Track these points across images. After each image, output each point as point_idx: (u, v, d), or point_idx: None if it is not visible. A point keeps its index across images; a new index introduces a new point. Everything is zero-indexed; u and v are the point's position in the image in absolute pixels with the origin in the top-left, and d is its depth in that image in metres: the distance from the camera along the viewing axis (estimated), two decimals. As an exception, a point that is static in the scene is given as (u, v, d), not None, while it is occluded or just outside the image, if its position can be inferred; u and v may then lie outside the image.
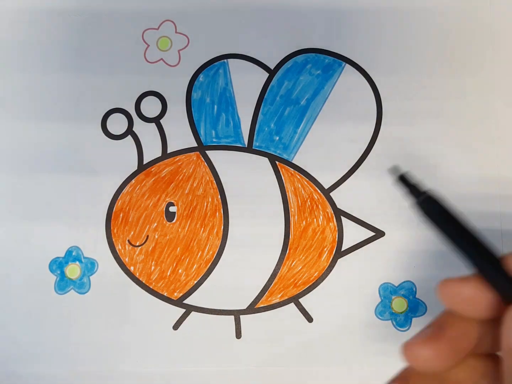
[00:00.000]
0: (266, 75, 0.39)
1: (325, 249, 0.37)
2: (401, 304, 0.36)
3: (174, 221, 0.38)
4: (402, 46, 0.39)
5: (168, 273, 0.37)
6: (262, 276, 0.37)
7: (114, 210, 0.38)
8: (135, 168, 0.38)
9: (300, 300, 0.37)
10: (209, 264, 0.37)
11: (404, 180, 0.23)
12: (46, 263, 0.37)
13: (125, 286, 0.37)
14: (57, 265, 0.37)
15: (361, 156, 0.38)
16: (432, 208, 0.21)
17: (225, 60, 0.39)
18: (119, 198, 0.38)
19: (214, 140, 0.38)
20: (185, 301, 0.37)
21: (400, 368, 0.34)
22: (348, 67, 0.39)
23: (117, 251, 0.37)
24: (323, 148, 0.38)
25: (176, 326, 0.37)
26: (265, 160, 0.38)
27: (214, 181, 0.38)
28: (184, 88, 0.39)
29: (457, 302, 0.21)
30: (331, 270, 0.37)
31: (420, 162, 0.38)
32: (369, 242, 0.37)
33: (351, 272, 0.37)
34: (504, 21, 0.39)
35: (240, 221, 0.37)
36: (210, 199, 0.38)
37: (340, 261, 0.37)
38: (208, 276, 0.37)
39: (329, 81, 0.39)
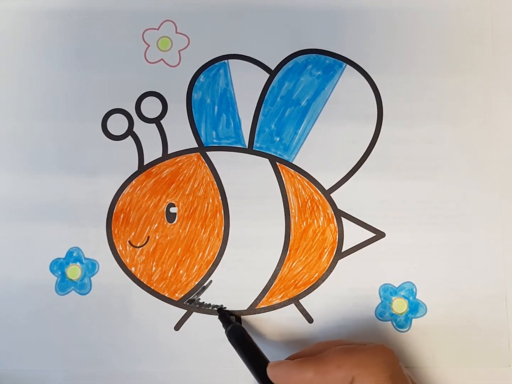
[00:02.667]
0: (267, 75, 0.39)
1: (325, 250, 0.37)
2: (401, 305, 0.36)
3: (174, 222, 0.38)
4: (403, 47, 0.39)
5: (169, 274, 0.37)
6: (263, 277, 0.37)
7: (114, 211, 0.38)
8: (136, 169, 0.38)
9: (300, 301, 0.37)
10: (210, 265, 0.37)
11: (221, 313, 0.36)
12: (47, 264, 0.38)
13: (126, 287, 0.37)
14: (58, 266, 0.38)
15: (361, 157, 0.38)
16: (233, 335, 0.34)
17: (226, 61, 0.39)
18: (119, 199, 0.38)
19: (214, 141, 0.38)
20: (186, 302, 0.37)
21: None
22: (348, 68, 0.39)
23: (118, 252, 0.38)
24: (323, 149, 0.38)
25: (177, 327, 0.37)
26: (266, 161, 0.38)
27: (215, 182, 0.38)
28: (184, 88, 0.39)
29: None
30: (331, 271, 0.37)
31: (421, 163, 0.38)
32: (370, 243, 0.37)
33: (351, 273, 0.37)
34: (504, 22, 0.39)
35: (240, 222, 0.37)
36: (210, 200, 0.38)
37: (340, 262, 0.37)
38: (209, 277, 0.37)
39: (330, 82, 0.39)
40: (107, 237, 0.38)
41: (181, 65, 0.39)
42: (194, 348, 0.37)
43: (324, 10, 0.39)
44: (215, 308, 0.37)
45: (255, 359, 0.32)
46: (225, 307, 0.37)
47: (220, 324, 0.36)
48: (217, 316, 0.37)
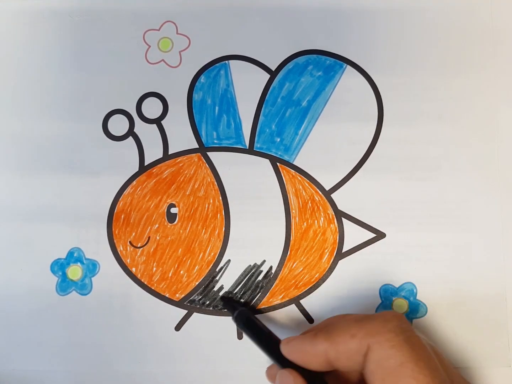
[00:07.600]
0: (267, 76, 0.39)
1: (326, 250, 0.37)
2: (401, 305, 0.36)
3: (175, 222, 0.38)
4: (403, 47, 0.39)
5: (170, 274, 0.37)
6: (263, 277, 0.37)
7: (115, 211, 0.38)
8: (136, 169, 0.38)
9: (301, 301, 0.37)
10: (211, 265, 0.37)
11: (225, 300, 0.37)
12: (48, 264, 0.38)
13: (127, 287, 0.37)
14: (59, 267, 0.38)
15: (362, 158, 0.38)
16: (241, 320, 0.34)
17: (226, 61, 0.39)
18: (120, 199, 0.38)
19: (215, 141, 0.38)
20: (187, 302, 0.37)
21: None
22: (349, 68, 0.39)
23: (119, 252, 0.38)
24: (324, 150, 0.38)
25: (178, 327, 0.37)
26: (266, 161, 0.38)
27: (216, 183, 0.38)
28: (185, 89, 0.39)
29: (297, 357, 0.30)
30: (332, 272, 0.37)
31: (421, 163, 0.38)
32: (370, 244, 0.37)
33: (352, 273, 0.37)
34: (504, 22, 0.39)
35: (241, 223, 0.37)
36: (211, 201, 0.38)
37: (341, 262, 0.37)
38: (210, 277, 0.37)
39: (330, 83, 0.39)
40: (108, 238, 0.38)
41: (181, 66, 0.39)
42: (195, 349, 0.37)
43: (324, 10, 0.39)
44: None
45: (266, 339, 0.32)
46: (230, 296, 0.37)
47: (220, 324, 0.36)
48: (217, 317, 0.37)
